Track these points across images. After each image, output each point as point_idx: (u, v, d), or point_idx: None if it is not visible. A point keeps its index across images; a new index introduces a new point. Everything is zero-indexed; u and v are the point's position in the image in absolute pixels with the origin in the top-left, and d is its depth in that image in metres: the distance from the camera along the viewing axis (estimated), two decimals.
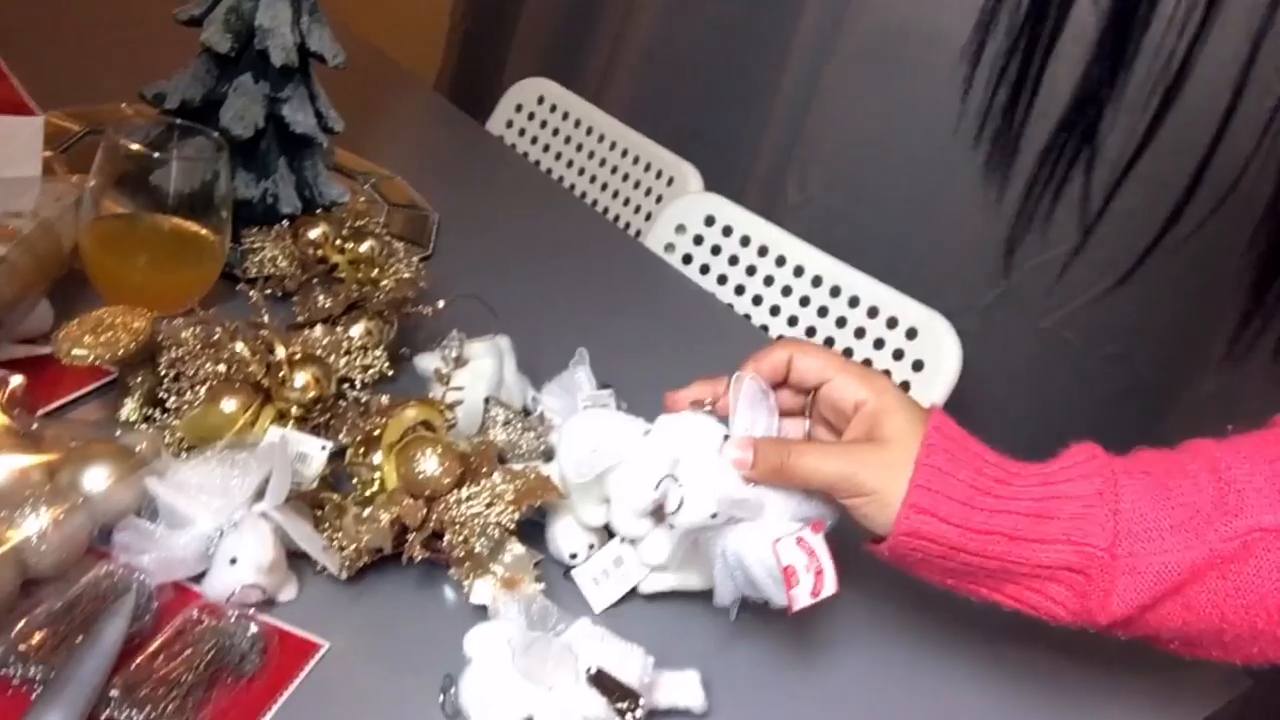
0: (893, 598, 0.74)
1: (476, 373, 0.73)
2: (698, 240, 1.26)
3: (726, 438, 0.61)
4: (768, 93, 1.50)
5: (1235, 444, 0.60)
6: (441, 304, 0.79)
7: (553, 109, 1.45)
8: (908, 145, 1.40)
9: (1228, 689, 0.76)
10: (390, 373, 0.75)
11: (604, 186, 1.40)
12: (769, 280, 1.22)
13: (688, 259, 1.26)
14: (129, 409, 0.66)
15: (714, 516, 0.58)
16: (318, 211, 0.89)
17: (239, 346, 0.64)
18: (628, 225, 1.37)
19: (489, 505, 0.59)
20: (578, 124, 1.43)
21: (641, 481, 0.60)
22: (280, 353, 0.66)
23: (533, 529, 0.68)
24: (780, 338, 1.20)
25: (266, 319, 0.69)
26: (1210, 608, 0.56)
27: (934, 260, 1.40)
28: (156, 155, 0.76)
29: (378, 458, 0.62)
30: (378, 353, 0.71)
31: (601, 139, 1.41)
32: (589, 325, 0.99)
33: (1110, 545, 0.56)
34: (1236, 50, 0.52)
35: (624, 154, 1.38)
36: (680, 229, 1.26)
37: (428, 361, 0.73)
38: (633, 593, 0.67)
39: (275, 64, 0.88)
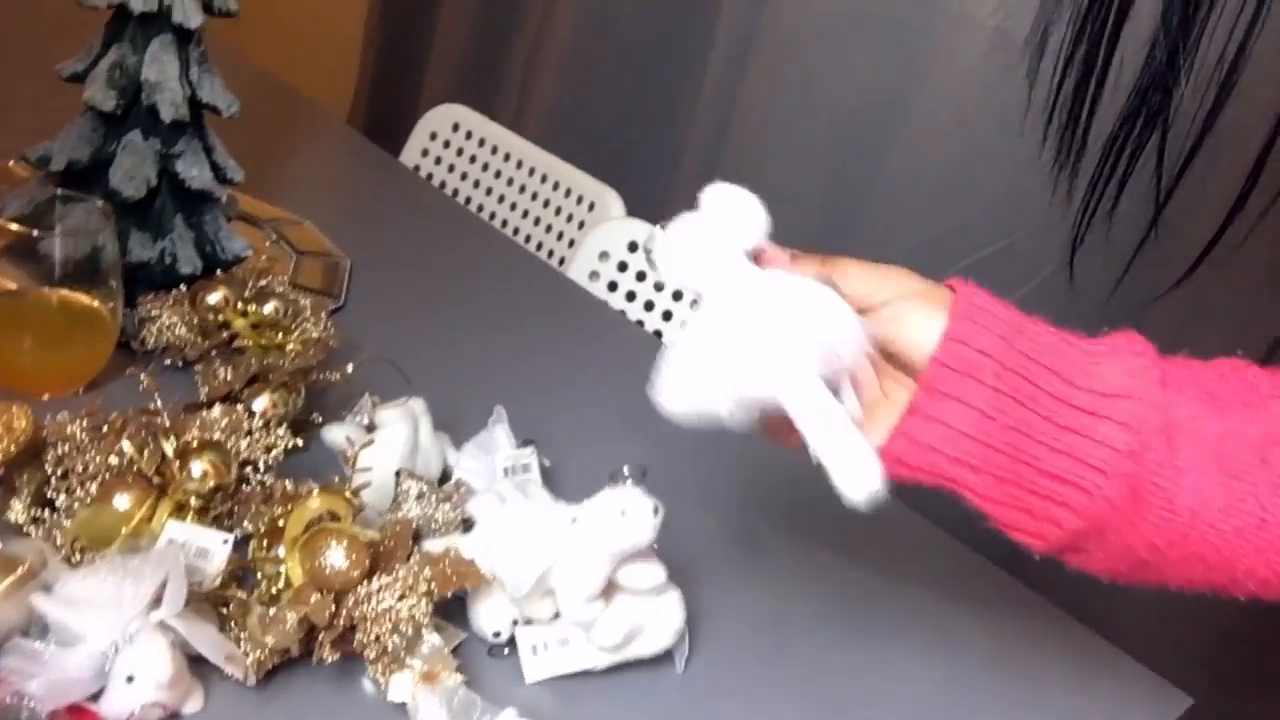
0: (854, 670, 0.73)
1: (388, 442, 0.70)
2: (622, 267, 1.24)
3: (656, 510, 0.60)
4: (687, 108, 1.48)
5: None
6: (350, 368, 0.76)
7: (468, 136, 1.42)
8: (829, 155, 1.39)
9: (1172, 708, 0.77)
10: (300, 444, 0.72)
11: (525, 214, 1.37)
12: (695, 303, 1.20)
13: (613, 286, 1.24)
14: (16, 511, 0.62)
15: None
16: (218, 272, 0.85)
17: (125, 444, 0.61)
18: (551, 253, 1.34)
19: (401, 598, 0.56)
20: (495, 150, 1.40)
21: (583, 571, 0.59)
22: (174, 443, 0.62)
23: (455, 604, 0.66)
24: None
25: (160, 404, 0.66)
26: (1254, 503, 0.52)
27: None
28: (35, 233, 0.72)
29: (283, 550, 0.59)
30: (281, 431, 0.68)
31: (520, 165, 1.38)
32: (511, 368, 0.97)
33: (1162, 378, 0.52)
34: None
35: (543, 180, 1.36)
36: (604, 256, 1.24)
37: (336, 434, 0.70)
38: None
39: (165, 119, 0.84)
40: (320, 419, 0.78)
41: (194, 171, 0.88)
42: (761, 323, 0.51)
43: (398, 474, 0.68)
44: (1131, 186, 0.59)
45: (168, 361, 0.79)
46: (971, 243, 1.29)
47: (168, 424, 0.65)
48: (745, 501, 0.87)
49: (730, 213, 0.53)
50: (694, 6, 1.47)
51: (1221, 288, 0.91)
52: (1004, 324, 0.51)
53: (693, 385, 0.51)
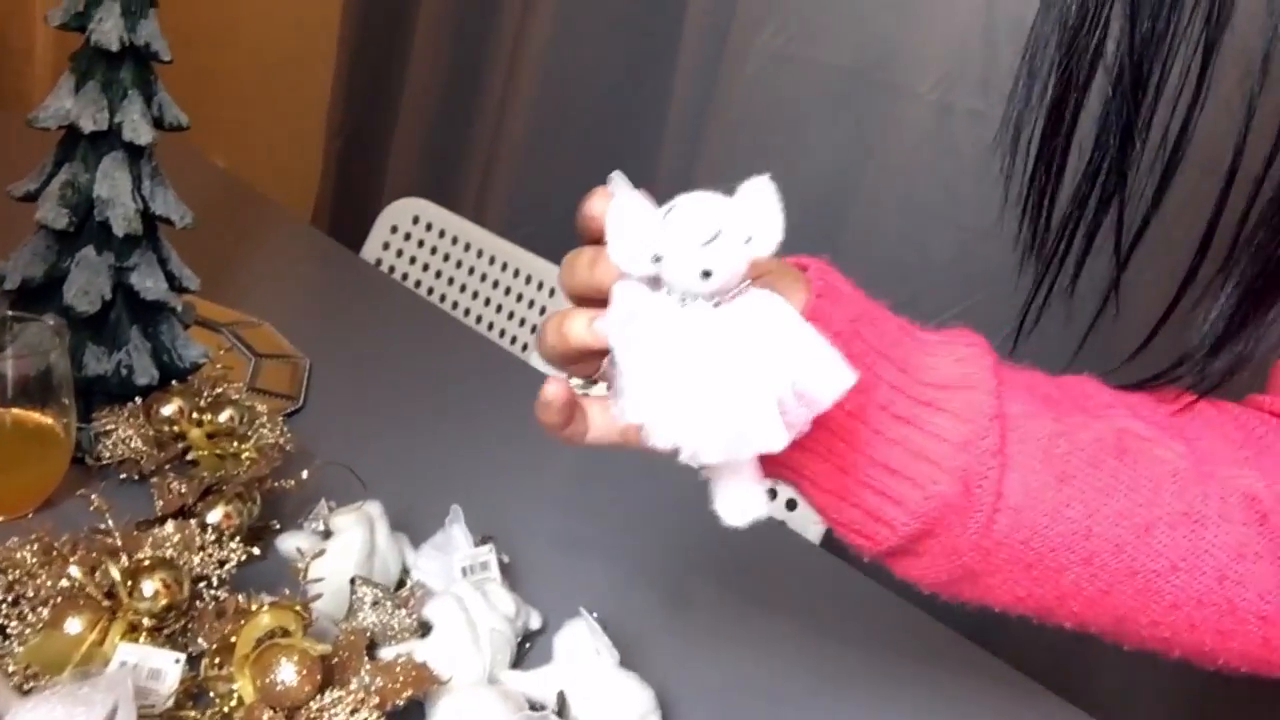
0: None
1: (343, 549, 0.70)
2: None
3: None
4: (643, 191, 1.50)
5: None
6: (305, 474, 0.76)
7: (428, 228, 1.44)
8: (785, 231, 1.41)
9: None
10: (257, 552, 0.72)
11: (487, 301, 1.39)
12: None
13: None
14: None
15: None
16: (173, 383, 0.85)
17: (73, 570, 0.61)
18: (514, 339, 1.35)
19: (353, 711, 0.56)
20: (455, 241, 1.42)
21: None
22: (124, 563, 0.62)
23: (415, 710, 0.65)
24: None
25: (111, 523, 0.66)
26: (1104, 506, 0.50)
27: None
28: None
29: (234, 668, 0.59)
30: (234, 545, 0.68)
31: (480, 254, 1.40)
32: (472, 460, 0.97)
33: (995, 368, 0.51)
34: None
35: (503, 268, 1.37)
36: None
37: (288, 543, 0.70)
38: None
39: (118, 234, 0.85)
40: (278, 526, 0.78)
41: (148, 283, 0.89)
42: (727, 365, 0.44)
43: (352, 581, 0.68)
44: (1093, 266, 0.59)
45: (123, 475, 0.79)
46: (924, 312, 1.30)
47: (119, 544, 0.65)
48: (709, 580, 0.88)
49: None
50: (646, 91, 1.50)
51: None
52: (854, 307, 0.51)
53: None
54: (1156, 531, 0.51)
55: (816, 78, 1.33)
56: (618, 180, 0.48)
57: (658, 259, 0.44)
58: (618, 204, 0.46)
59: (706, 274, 0.44)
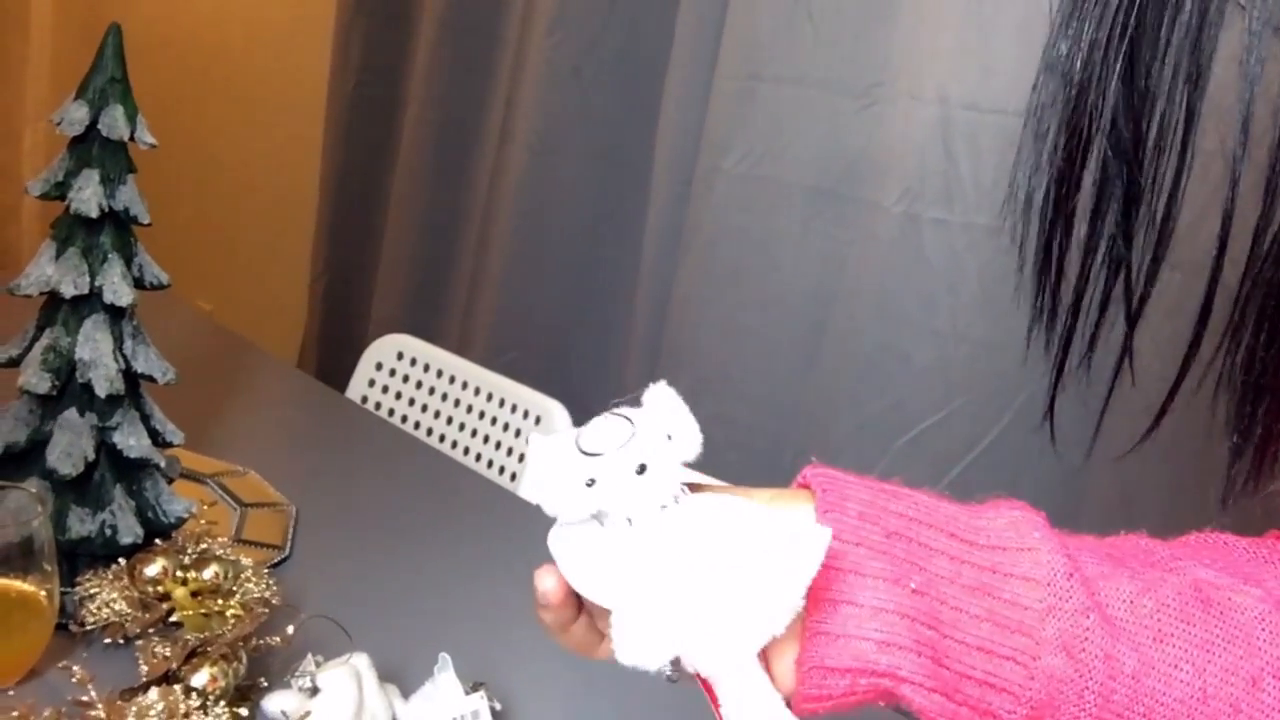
0: None
1: (330, 707, 0.69)
2: None
3: None
4: (624, 312, 1.52)
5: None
6: (291, 630, 0.76)
7: (413, 363, 1.45)
8: (764, 347, 1.43)
9: None
10: (245, 714, 0.71)
11: (473, 432, 1.39)
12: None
13: None
14: None
15: None
16: (157, 541, 0.85)
17: None
18: (501, 469, 1.35)
19: None
20: (439, 374, 1.43)
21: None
22: None
23: None
24: None
25: (94, 694, 0.65)
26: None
27: (798, 462, 1.40)
28: None
29: None
30: (219, 709, 0.67)
31: (465, 385, 1.41)
32: (461, 601, 0.96)
33: (1061, 544, 0.48)
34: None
35: (488, 398, 1.38)
36: None
37: (274, 705, 0.69)
38: None
39: (100, 395, 0.86)
40: (266, 683, 0.77)
41: (131, 441, 0.89)
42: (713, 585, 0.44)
43: None
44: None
45: (107, 640, 0.78)
46: (909, 417, 1.31)
47: (103, 715, 0.64)
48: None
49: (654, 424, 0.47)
50: (621, 219, 1.54)
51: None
52: (866, 491, 0.48)
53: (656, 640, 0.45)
54: (1264, 684, 0.48)
55: (784, 197, 1.36)
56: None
57: (591, 482, 0.44)
58: (536, 451, 0.46)
59: (642, 468, 0.44)
